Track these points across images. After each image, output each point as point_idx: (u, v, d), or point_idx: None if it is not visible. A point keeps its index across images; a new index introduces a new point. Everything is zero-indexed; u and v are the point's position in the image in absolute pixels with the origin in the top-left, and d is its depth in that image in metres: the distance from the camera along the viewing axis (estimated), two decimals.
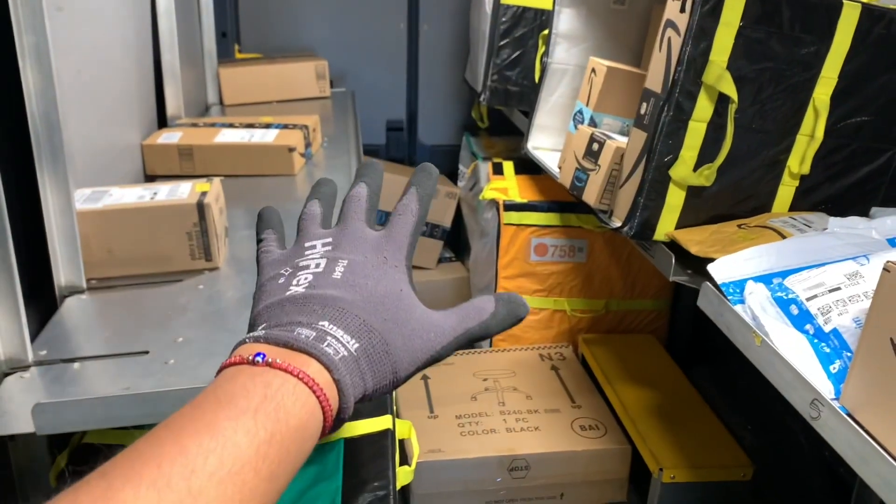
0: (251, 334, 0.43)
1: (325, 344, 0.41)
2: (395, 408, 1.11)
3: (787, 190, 1.20)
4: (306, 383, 0.39)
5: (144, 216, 1.10)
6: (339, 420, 0.42)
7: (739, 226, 1.16)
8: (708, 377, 1.91)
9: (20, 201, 0.96)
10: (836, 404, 0.80)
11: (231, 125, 1.68)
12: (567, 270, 2.03)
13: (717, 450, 1.58)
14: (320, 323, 0.43)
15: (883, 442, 0.75)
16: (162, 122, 1.78)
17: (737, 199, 1.19)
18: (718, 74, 1.08)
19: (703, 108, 1.11)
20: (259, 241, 0.52)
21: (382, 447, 0.95)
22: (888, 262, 0.76)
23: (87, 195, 1.11)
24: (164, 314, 1.00)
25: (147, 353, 0.90)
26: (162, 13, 1.71)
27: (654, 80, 1.15)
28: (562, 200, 1.97)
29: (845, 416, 0.77)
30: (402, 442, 1.18)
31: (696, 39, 1.07)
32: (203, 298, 1.05)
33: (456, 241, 2.67)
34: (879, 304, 0.77)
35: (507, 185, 2.07)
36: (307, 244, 0.49)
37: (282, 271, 0.48)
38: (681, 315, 2.10)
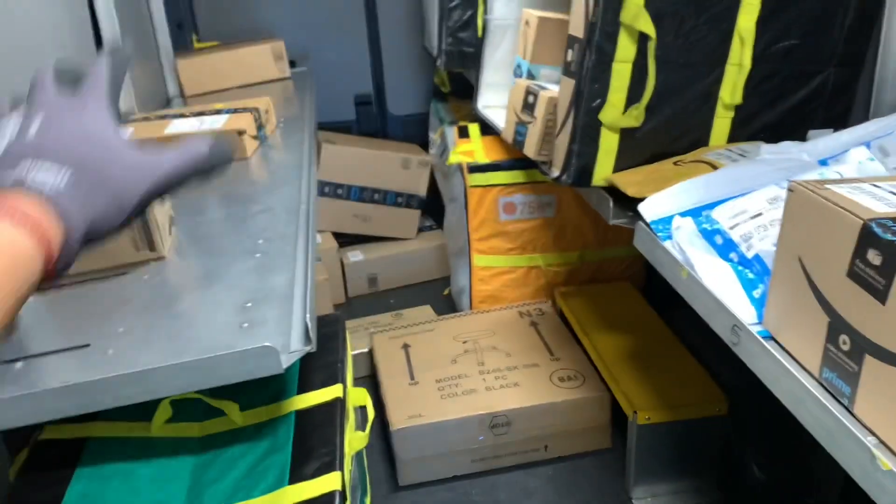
0: None
1: (31, 177, 0.42)
2: (347, 378, 1.13)
3: (722, 122, 1.20)
4: (8, 216, 0.40)
5: None
6: (68, 248, 0.43)
7: (675, 163, 1.16)
8: (686, 319, 1.91)
9: None
10: (755, 329, 0.80)
11: (181, 115, 1.68)
12: (538, 226, 2.03)
13: (692, 388, 1.59)
14: (21, 162, 0.43)
15: (801, 360, 0.76)
16: None
17: (672, 136, 1.19)
18: (635, 13, 1.07)
19: (626, 49, 1.10)
20: None
21: (330, 415, 0.97)
22: (791, 182, 0.77)
23: None
24: (107, 307, 1.01)
25: (88, 345, 0.91)
26: (102, 16, 1.70)
27: (577, 25, 1.14)
28: (526, 158, 1.96)
29: (760, 339, 0.78)
30: (363, 408, 1.20)
31: None
32: (147, 288, 1.06)
33: (436, 209, 2.68)
34: (786, 224, 0.78)
35: (473, 148, 2.06)
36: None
37: None
38: None
